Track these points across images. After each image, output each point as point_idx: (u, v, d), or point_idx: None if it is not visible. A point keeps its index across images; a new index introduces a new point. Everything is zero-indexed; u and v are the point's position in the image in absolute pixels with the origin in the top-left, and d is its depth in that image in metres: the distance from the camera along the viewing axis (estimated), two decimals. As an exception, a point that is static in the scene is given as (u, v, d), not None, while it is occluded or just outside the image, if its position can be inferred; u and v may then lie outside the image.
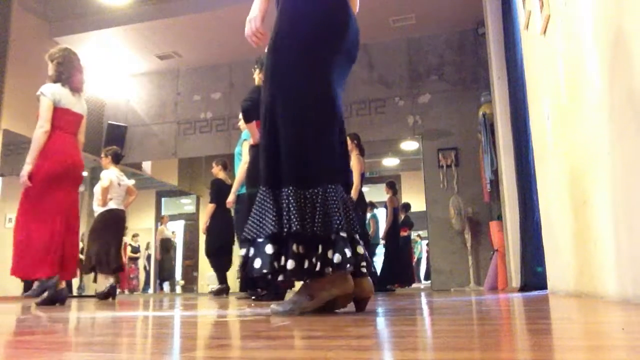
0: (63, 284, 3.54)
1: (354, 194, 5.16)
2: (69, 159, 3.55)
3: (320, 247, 1.62)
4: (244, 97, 3.86)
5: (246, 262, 1.68)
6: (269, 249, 1.63)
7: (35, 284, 3.47)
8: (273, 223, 1.64)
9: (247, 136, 4.39)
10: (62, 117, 3.55)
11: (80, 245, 5.83)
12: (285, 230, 1.64)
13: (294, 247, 1.63)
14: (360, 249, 1.67)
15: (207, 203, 6.44)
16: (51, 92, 3.53)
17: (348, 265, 1.59)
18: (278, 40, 1.80)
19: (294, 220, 1.63)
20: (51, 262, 3.39)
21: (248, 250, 1.69)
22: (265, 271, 1.62)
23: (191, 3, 7.08)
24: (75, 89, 3.68)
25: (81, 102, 3.74)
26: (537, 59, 3.35)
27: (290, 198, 1.66)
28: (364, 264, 1.68)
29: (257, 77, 3.99)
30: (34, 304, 3.50)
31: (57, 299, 3.43)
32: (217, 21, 7.17)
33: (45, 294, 3.39)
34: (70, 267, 3.53)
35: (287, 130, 1.72)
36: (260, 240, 1.66)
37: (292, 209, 1.64)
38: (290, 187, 1.67)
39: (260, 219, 1.68)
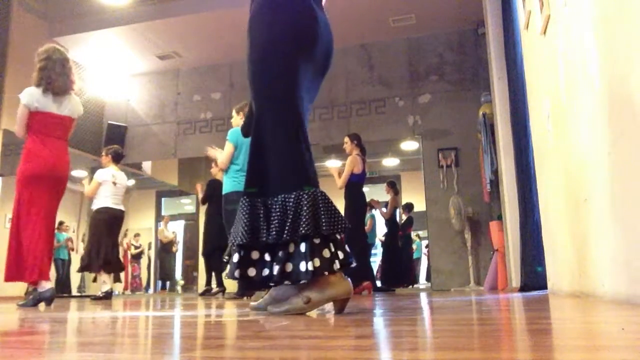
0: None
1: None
2: (50, 161, 3.42)
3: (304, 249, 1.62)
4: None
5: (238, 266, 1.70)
6: (255, 254, 1.69)
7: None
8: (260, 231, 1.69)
9: (231, 135, 4.58)
10: (41, 121, 3.43)
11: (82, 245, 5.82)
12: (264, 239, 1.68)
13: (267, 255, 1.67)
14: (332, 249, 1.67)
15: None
16: (26, 96, 3.42)
17: (336, 266, 1.61)
18: (260, 50, 1.79)
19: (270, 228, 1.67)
20: (39, 266, 3.31)
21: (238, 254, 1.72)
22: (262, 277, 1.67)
23: (191, 3, 7.08)
24: (59, 92, 3.50)
25: (70, 103, 3.57)
26: (537, 59, 3.35)
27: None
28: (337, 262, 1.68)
29: None
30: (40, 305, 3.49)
31: (41, 299, 3.30)
32: (217, 21, 7.17)
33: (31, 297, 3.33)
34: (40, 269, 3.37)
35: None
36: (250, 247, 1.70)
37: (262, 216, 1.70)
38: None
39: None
